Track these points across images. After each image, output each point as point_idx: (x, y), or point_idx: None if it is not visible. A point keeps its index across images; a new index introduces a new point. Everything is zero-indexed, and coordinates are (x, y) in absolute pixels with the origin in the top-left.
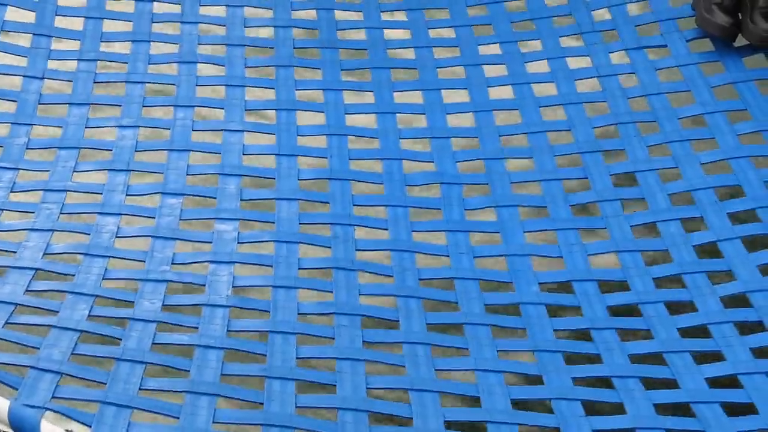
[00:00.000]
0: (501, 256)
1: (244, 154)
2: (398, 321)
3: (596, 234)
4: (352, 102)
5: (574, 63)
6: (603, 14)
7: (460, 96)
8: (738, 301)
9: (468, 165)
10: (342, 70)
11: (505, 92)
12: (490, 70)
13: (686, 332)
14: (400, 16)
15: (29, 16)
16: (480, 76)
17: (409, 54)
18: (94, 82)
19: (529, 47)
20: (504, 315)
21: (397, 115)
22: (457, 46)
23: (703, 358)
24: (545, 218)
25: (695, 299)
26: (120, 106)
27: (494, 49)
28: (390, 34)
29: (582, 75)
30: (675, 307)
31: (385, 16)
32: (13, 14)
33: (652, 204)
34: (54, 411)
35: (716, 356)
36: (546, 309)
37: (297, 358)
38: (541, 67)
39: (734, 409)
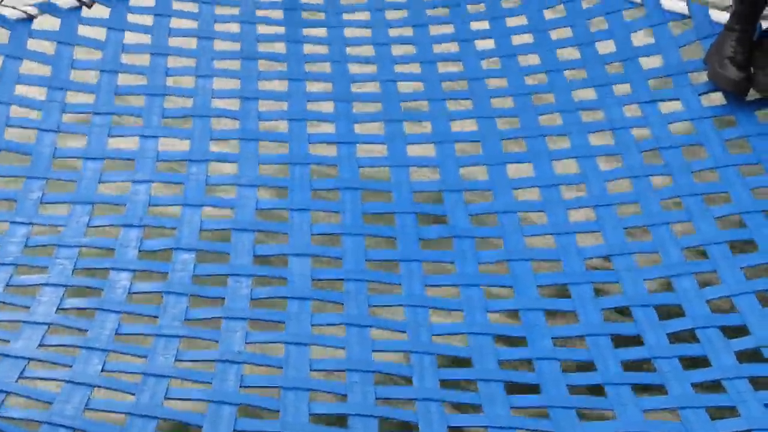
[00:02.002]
0: (514, 310)
1: (257, 209)
2: (411, 377)
3: (609, 288)
4: (364, 155)
5: (587, 116)
6: (616, 68)
7: (473, 149)
8: (752, 356)
9: (481, 218)
10: (355, 123)
11: (518, 146)
12: (503, 123)
13: (700, 387)
14: (415, 68)
15: (44, 70)
16: (493, 130)
17: (423, 106)
18: (109, 136)
19: (542, 100)
20: (518, 371)
21: (410, 168)
22: (469, 98)
23: (717, 413)
24: (558, 272)
25: (709, 354)
26: (134, 160)
27: (507, 102)
28: (403, 87)
29: (595, 128)
30: (689, 362)
31: (399, 68)
32: (28, 68)
33: (665, 258)
34: None
35: (731, 412)
36: (559, 364)
37: (310, 414)
38: (554, 120)
39: None
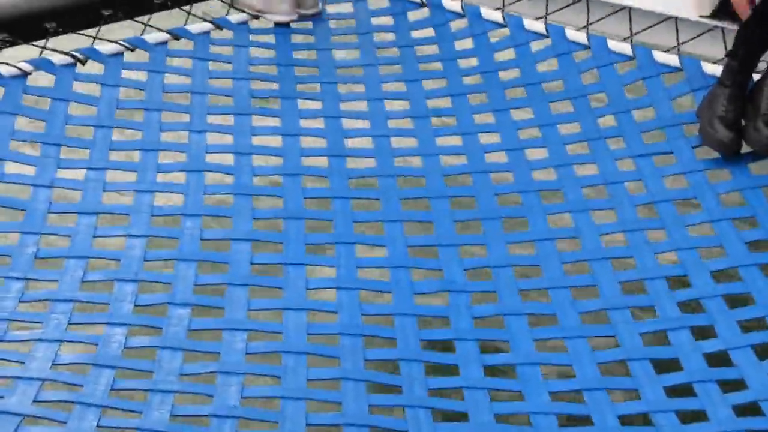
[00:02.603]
0: (510, 365)
1: (252, 264)
2: None
3: (606, 342)
4: (360, 210)
5: (580, 170)
6: (609, 121)
7: (468, 203)
8: (750, 409)
9: (475, 272)
10: (349, 178)
11: (512, 199)
12: (496, 177)
13: None
14: (408, 124)
15: (39, 126)
16: (487, 183)
17: (416, 162)
18: (103, 191)
19: (535, 155)
20: (514, 425)
21: (404, 223)
22: (464, 153)
23: None
24: (554, 326)
25: (706, 408)
26: (128, 215)
27: (500, 157)
28: (397, 142)
29: (589, 182)
30: (686, 416)
31: (392, 124)
32: (23, 124)
33: (661, 312)
34: None
35: None
36: (557, 419)
37: None
38: (548, 174)
39: None
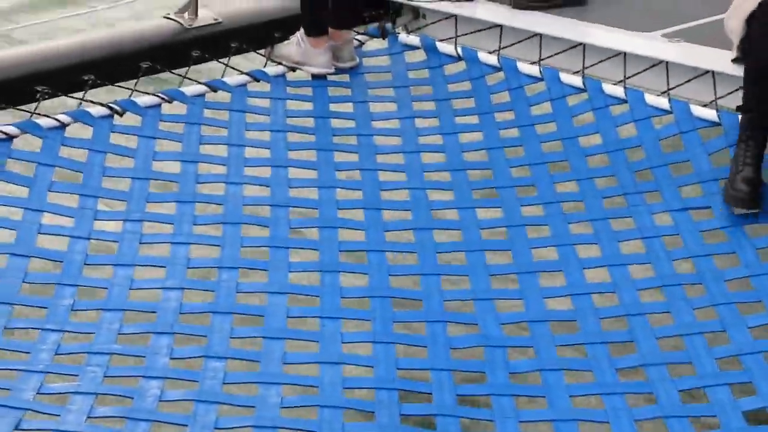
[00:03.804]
0: (548, 421)
1: (287, 317)
2: None
3: (643, 398)
4: (394, 263)
5: (617, 224)
6: (646, 175)
7: (503, 257)
8: None
9: (512, 327)
10: (385, 230)
11: (549, 253)
12: (533, 231)
13: None
14: (445, 177)
15: (77, 177)
16: (522, 237)
17: (453, 215)
18: (140, 243)
19: (572, 208)
20: None
21: (440, 276)
22: (500, 207)
23: None
24: (591, 382)
25: None
26: (165, 267)
27: (537, 210)
28: (433, 195)
29: (626, 236)
30: None
31: (429, 177)
32: (60, 175)
33: (699, 368)
34: None
35: None
36: None
37: None
38: (584, 228)
39: None
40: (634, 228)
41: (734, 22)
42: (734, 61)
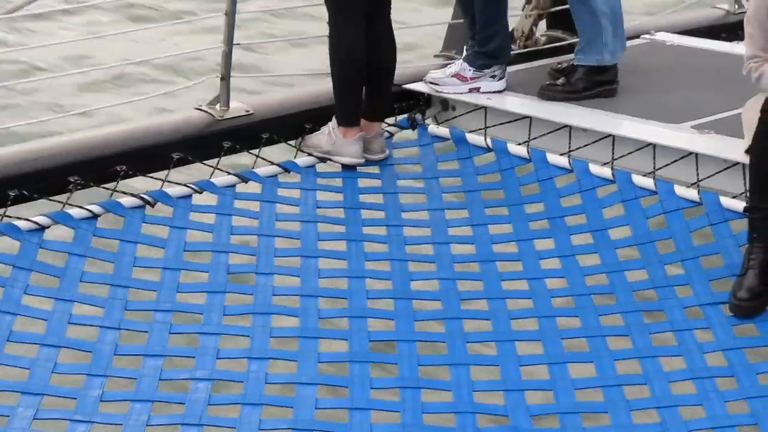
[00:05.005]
0: None
1: (316, 408)
2: None
3: None
4: (424, 353)
5: (648, 317)
6: (676, 269)
7: (534, 347)
8: None
9: (542, 419)
10: (415, 320)
11: (580, 344)
12: (563, 322)
13: None
14: (474, 267)
15: (108, 267)
16: (553, 328)
17: (482, 305)
18: (170, 333)
19: (603, 301)
20: None
21: (470, 366)
22: (530, 297)
23: None
24: None
25: None
26: (194, 358)
27: (568, 302)
28: (462, 285)
29: (657, 329)
30: None
31: (458, 267)
32: (91, 264)
33: None
34: None
35: None
36: None
37: None
38: (615, 320)
39: None
40: (666, 321)
41: (746, 115)
42: (746, 152)
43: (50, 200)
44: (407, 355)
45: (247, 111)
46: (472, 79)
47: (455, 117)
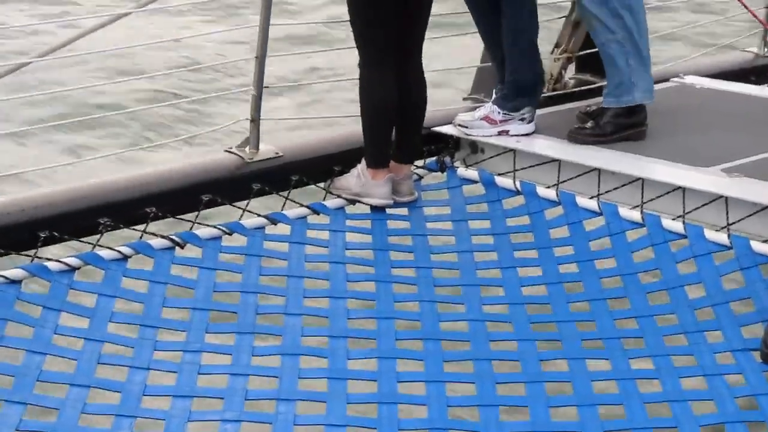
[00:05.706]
0: None
1: None
2: None
3: None
4: (453, 395)
5: (678, 361)
6: (706, 313)
7: (563, 389)
8: None
9: None
10: (444, 361)
11: (610, 387)
12: (593, 365)
13: None
14: (503, 309)
15: (137, 308)
16: (582, 370)
17: (512, 346)
18: (198, 374)
19: (632, 344)
20: None
21: (499, 407)
22: (560, 340)
23: None
24: None
25: None
26: (222, 399)
27: (597, 345)
28: (491, 327)
29: (687, 373)
30: None
31: (487, 309)
32: (121, 305)
33: None
34: None
35: None
36: None
37: None
38: (645, 364)
39: None
40: (696, 365)
41: None
42: None
43: (81, 241)
44: (436, 395)
45: (277, 153)
46: (501, 122)
47: (484, 160)
